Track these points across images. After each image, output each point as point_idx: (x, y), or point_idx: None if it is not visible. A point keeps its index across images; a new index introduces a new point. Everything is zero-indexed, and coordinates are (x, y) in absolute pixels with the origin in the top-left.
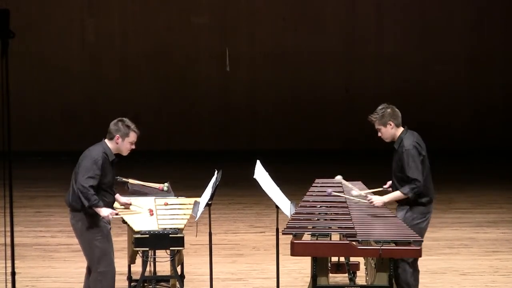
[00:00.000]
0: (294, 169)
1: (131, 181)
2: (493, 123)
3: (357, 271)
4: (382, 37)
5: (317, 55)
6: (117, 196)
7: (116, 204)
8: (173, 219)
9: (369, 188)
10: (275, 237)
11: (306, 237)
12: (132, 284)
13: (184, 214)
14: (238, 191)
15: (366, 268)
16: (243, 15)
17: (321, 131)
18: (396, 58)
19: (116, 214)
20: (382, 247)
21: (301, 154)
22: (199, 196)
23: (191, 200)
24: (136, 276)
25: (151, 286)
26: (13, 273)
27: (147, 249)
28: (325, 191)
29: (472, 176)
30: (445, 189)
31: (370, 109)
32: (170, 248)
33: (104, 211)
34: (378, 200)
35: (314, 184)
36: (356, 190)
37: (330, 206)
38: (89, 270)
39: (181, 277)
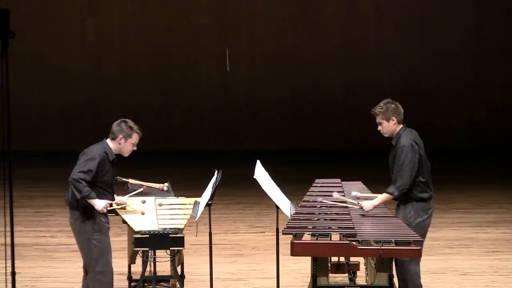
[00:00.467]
0: (294, 169)
1: (131, 181)
2: (493, 123)
3: (357, 271)
4: (382, 37)
5: (317, 55)
6: (115, 196)
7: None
8: (173, 219)
9: (373, 193)
10: (275, 237)
11: (306, 237)
12: (132, 284)
13: (184, 214)
14: (238, 191)
15: (366, 268)
16: (243, 15)
17: (321, 131)
18: (396, 58)
19: (111, 205)
20: (382, 247)
21: (301, 154)
22: (199, 196)
23: (191, 200)
24: (136, 276)
25: (151, 286)
26: (13, 273)
27: (147, 249)
28: (325, 192)
29: (472, 176)
30: (445, 189)
31: (370, 109)
32: (170, 248)
33: (98, 203)
34: (368, 204)
35: (314, 184)
36: (355, 193)
37: (330, 206)
38: (85, 270)
39: (181, 277)
